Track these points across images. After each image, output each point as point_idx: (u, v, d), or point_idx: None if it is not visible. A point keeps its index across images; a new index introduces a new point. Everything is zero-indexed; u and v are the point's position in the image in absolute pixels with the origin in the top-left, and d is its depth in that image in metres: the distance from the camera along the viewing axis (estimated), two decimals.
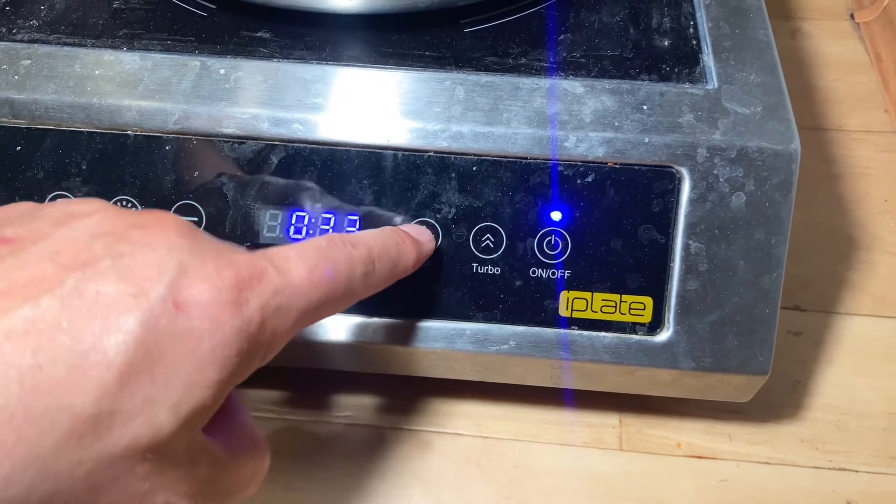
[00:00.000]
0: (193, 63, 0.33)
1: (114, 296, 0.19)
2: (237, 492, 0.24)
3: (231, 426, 0.25)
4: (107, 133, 0.32)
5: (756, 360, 0.32)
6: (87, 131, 0.32)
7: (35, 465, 0.17)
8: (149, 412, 0.19)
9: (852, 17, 0.58)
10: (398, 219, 0.32)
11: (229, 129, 0.32)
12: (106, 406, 0.18)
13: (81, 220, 0.21)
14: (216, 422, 0.23)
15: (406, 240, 0.28)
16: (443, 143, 0.31)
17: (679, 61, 0.34)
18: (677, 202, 0.31)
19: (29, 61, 0.33)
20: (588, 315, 0.32)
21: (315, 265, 0.23)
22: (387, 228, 0.29)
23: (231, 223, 0.32)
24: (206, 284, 0.20)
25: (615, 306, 0.32)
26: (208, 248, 0.21)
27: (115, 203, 0.32)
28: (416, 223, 0.32)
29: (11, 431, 0.17)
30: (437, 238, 0.32)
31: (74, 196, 0.32)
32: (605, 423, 0.38)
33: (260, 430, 0.26)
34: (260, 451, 0.25)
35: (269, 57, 0.34)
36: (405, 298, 0.32)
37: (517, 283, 0.32)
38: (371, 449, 0.38)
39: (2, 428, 0.17)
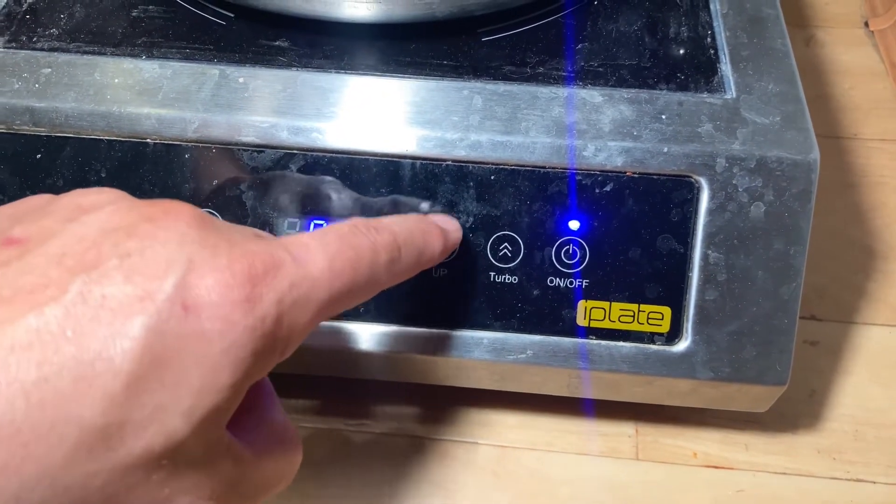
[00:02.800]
0: (212, 71, 0.33)
1: (120, 299, 0.18)
2: (267, 489, 0.23)
3: (260, 423, 0.24)
4: (126, 141, 0.32)
5: (774, 370, 0.32)
6: (106, 139, 0.32)
7: (45, 480, 0.17)
8: (160, 419, 0.18)
9: (867, 24, 0.58)
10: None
11: (248, 138, 0.32)
12: (115, 416, 0.17)
13: (91, 214, 0.20)
14: (243, 419, 0.22)
15: (433, 227, 0.27)
16: (461, 152, 0.32)
17: (697, 71, 0.34)
18: (696, 212, 0.31)
19: (49, 70, 0.33)
20: (606, 325, 0.32)
21: (336, 253, 0.22)
22: (412, 215, 0.27)
23: None
24: (217, 281, 0.19)
25: (633, 316, 0.32)
26: (222, 239, 0.20)
27: None
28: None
29: (19, 448, 0.16)
30: (454, 248, 0.32)
31: None
32: (622, 433, 0.38)
33: (293, 426, 0.25)
34: (291, 447, 0.24)
35: (288, 66, 0.34)
36: (423, 307, 0.32)
37: (535, 292, 0.32)
38: (388, 457, 0.38)
39: (9, 444, 0.16)
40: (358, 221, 0.24)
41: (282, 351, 0.21)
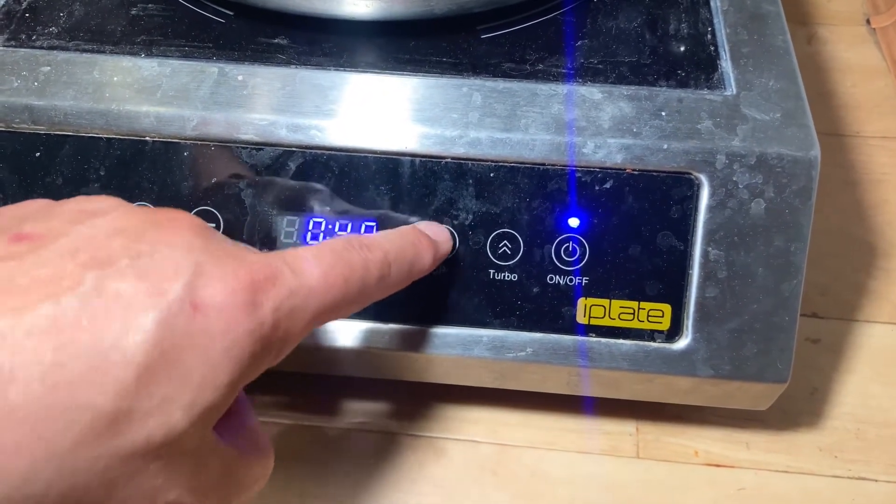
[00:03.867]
0: (211, 69, 0.33)
1: (133, 295, 0.19)
2: (242, 491, 0.24)
3: (240, 427, 0.25)
4: (125, 139, 0.32)
5: (775, 367, 0.32)
6: (105, 137, 0.32)
7: (53, 462, 0.17)
8: (164, 411, 0.19)
9: (868, 22, 0.58)
10: (414, 217, 0.32)
11: (247, 136, 0.32)
12: (124, 404, 0.18)
13: (98, 217, 0.21)
14: (226, 422, 0.23)
15: (423, 240, 0.28)
16: (460, 150, 0.31)
17: (697, 67, 0.34)
18: (696, 209, 0.31)
19: (48, 68, 0.33)
20: (606, 322, 0.32)
21: (330, 267, 0.23)
22: (404, 228, 0.29)
23: (249, 229, 0.32)
24: (223, 285, 0.20)
25: (633, 313, 0.32)
26: (224, 249, 0.21)
27: None
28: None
29: (32, 429, 0.17)
30: (454, 244, 0.32)
31: None
32: (622, 431, 0.38)
33: (266, 434, 0.26)
34: (265, 453, 0.26)
35: (287, 63, 0.34)
36: (422, 305, 0.32)
37: (534, 289, 0.32)
38: (386, 455, 0.38)
39: (22, 425, 0.17)
40: (352, 238, 0.25)
41: (275, 355, 0.22)
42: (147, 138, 0.32)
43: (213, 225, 0.32)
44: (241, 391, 0.26)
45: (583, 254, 0.32)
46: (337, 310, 0.24)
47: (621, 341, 0.32)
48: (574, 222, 0.31)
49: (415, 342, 0.32)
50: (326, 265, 0.23)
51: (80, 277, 0.19)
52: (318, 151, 0.32)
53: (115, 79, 0.33)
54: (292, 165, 0.32)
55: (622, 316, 0.32)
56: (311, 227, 0.32)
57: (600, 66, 0.34)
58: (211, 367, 0.19)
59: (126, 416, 0.18)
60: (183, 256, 0.20)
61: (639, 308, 0.32)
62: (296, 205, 0.32)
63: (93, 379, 0.18)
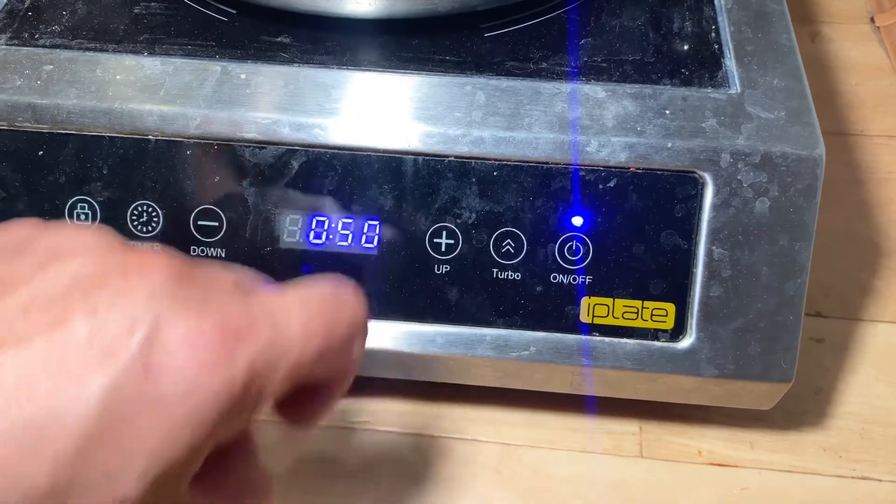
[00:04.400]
0: (214, 68, 0.33)
1: (82, 359, 0.17)
2: None
3: (228, 477, 0.23)
4: (128, 138, 0.32)
5: (779, 367, 0.32)
6: (108, 136, 0.32)
7: None
8: (110, 482, 0.17)
9: (872, 20, 0.57)
10: (418, 216, 0.32)
11: (250, 134, 0.32)
12: (63, 478, 0.17)
13: (66, 261, 0.20)
14: (210, 473, 0.21)
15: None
16: (463, 148, 0.31)
17: (701, 66, 0.34)
18: (700, 207, 0.31)
19: (51, 66, 0.33)
20: (609, 321, 0.32)
21: (315, 315, 0.21)
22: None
23: (251, 228, 0.32)
24: (183, 341, 0.18)
25: (637, 312, 0.32)
26: (195, 294, 0.19)
27: (136, 208, 0.32)
28: (437, 228, 0.32)
29: None
30: (457, 244, 0.32)
31: (95, 201, 0.32)
32: (626, 430, 0.38)
33: (267, 477, 0.24)
34: (264, 498, 0.24)
35: (290, 62, 0.34)
36: (426, 304, 0.32)
37: (538, 288, 0.32)
38: (390, 454, 0.37)
39: None
40: (342, 282, 0.23)
41: (249, 414, 0.20)
42: (150, 137, 0.32)
43: (216, 223, 0.32)
44: (245, 430, 0.24)
45: (586, 253, 0.31)
46: (320, 362, 0.21)
47: (625, 340, 0.32)
48: (577, 221, 0.31)
49: (418, 341, 0.32)
50: (311, 313, 0.21)
51: (28, 339, 0.17)
52: (321, 150, 0.32)
53: (118, 77, 0.33)
54: (295, 164, 0.32)
55: (626, 315, 0.32)
56: (314, 225, 0.32)
57: (604, 65, 0.34)
58: (168, 433, 0.18)
59: (65, 491, 0.17)
60: (143, 309, 0.18)
61: (642, 307, 0.32)
62: (299, 204, 0.32)
63: (28, 453, 0.16)
